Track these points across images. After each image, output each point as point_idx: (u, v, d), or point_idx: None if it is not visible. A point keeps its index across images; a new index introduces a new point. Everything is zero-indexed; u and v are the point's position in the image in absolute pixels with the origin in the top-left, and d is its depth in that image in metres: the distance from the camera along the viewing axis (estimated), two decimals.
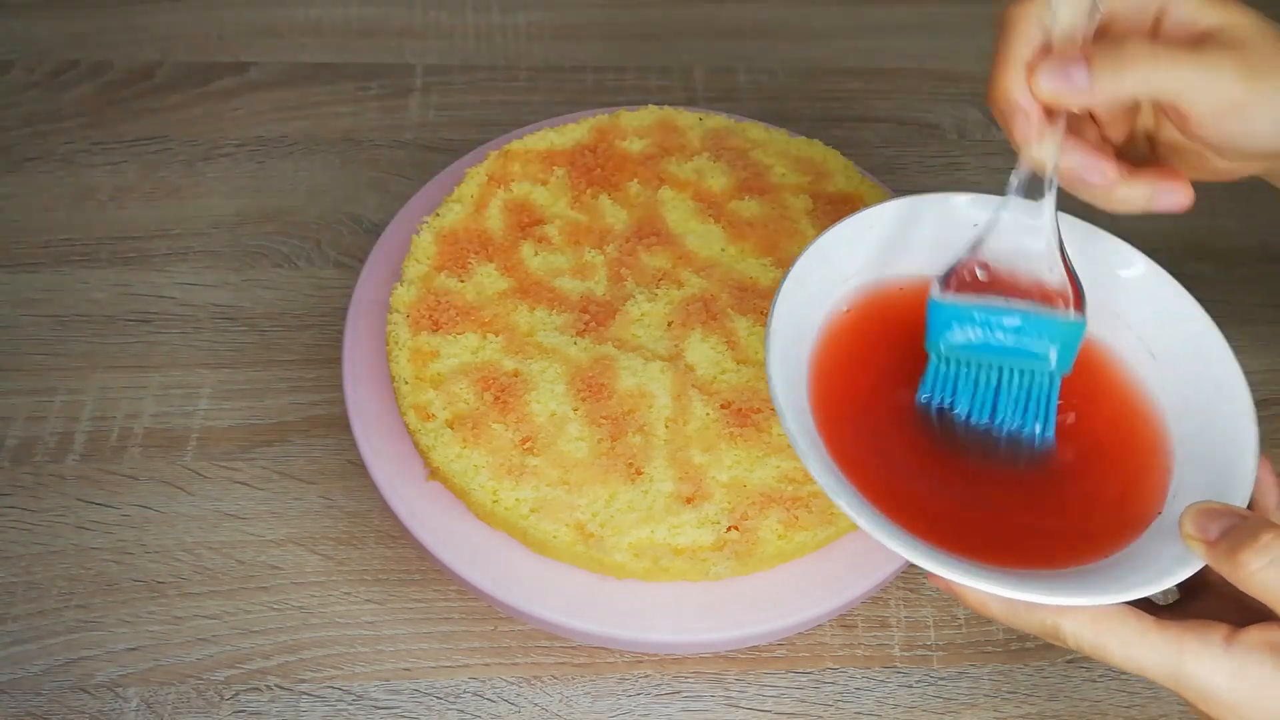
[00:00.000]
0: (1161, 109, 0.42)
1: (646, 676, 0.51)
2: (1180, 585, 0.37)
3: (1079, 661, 0.52)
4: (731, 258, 0.55)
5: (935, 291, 0.42)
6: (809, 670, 0.51)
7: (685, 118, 0.60)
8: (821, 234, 0.43)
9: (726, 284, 0.54)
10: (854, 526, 0.48)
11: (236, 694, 0.49)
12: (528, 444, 0.49)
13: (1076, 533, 0.40)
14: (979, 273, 0.42)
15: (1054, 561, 0.39)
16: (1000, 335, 0.42)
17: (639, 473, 0.48)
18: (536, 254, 0.55)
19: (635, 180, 0.58)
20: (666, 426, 0.49)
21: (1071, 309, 0.41)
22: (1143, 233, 0.47)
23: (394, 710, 0.49)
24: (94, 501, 0.54)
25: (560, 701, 0.50)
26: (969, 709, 0.51)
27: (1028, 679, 0.52)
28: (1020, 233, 0.41)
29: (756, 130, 0.60)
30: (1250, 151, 0.41)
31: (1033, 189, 0.41)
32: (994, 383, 0.42)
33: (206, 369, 0.59)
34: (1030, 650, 0.52)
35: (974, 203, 0.45)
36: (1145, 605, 0.37)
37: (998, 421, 0.42)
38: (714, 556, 0.46)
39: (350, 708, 0.49)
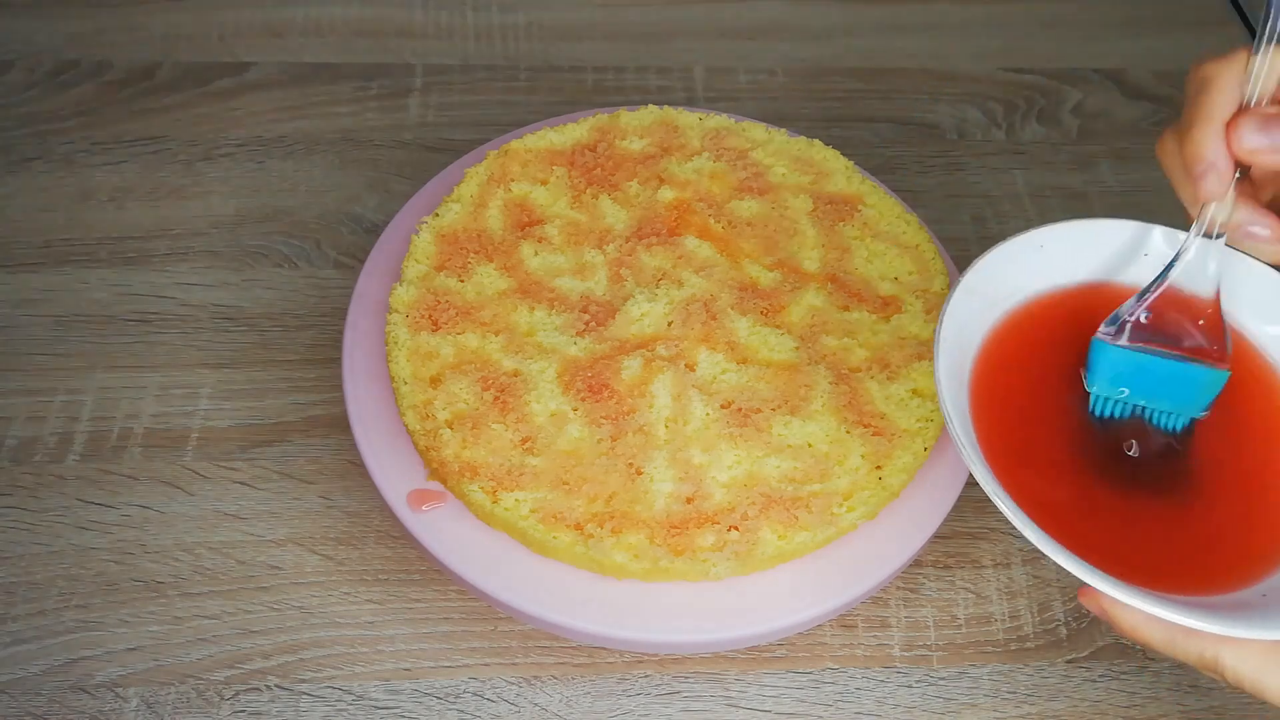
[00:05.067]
0: None
1: (646, 676, 0.51)
2: None
3: (1079, 661, 0.52)
4: (732, 257, 0.55)
5: (1101, 332, 0.44)
6: (809, 670, 0.51)
7: (685, 118, 0.60)
8: (990, 250, 0.45)
9: (726, 284, 0.54)
10: (854, 527, 0.48)
11: (236, 694, 0.49)
12: (528, 444, 0.49)
13: (1231, 555, 0.41)
14: (1142, 317, 0.44)
15: (1209, 586, 0.40)
16: (1153, 380, 0.44)
17: (639, 473, 0.48)
18: (536, 254, 0.55)
19: (635, 180, 0.58)
20: (666, 426, 0.49)
21: (1220, 359, 0.43)
22: None
23: (394, 710, 0.49)
24: (94, 501, 0.54)
25: (560, 701, 0.50)
26: (969, 709, 0.51)
27: (1028, 679, 0.52)
28: (1185, 282, 0.43)
29: (756, 130, 0.60)
30: None
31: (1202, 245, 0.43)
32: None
33: (206, 369, 0.59)
34: (1030, 650, 0.52)
35: (1138, 230, 0.46)
36: None
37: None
38: (714, 556, 0.46)
39: (350, 708, 0.49)
